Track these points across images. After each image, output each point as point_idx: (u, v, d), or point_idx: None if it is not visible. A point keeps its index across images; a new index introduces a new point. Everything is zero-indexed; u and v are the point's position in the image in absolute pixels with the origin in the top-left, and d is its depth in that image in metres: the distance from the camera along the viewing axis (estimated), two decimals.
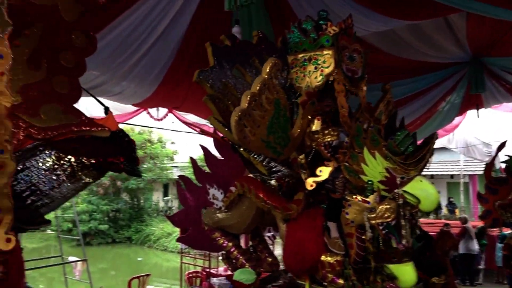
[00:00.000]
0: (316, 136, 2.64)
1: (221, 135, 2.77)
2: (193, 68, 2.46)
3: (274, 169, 2.47)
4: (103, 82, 4.48)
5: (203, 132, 6.75)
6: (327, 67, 2.61)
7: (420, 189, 2.31)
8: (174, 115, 6.93)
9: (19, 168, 2.02)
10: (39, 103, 2.18)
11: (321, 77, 2.62)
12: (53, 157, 2.11)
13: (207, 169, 3.52)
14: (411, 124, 6.42)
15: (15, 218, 1.75)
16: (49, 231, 19.04)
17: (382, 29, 4.00)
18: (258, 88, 2.20)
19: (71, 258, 8.96)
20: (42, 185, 2.08)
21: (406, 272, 2.43)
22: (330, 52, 2.62)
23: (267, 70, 2.25)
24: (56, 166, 2.11)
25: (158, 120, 6.93)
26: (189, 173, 9.01)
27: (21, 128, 2.08)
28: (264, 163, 2.39)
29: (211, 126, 3.71)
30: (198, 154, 5.34)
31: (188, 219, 3.46)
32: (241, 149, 2.27)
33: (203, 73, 2.30)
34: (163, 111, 6.75)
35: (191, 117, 7.15)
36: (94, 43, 2.60)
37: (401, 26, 4.15)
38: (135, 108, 6.35)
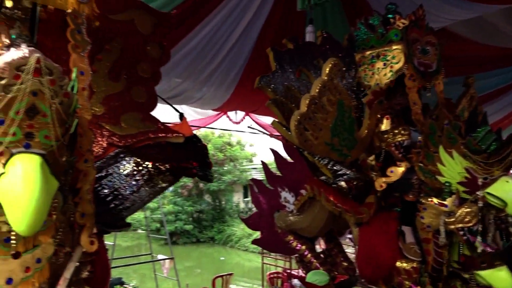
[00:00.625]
0: (385, 136, 2.54)
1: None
2: (267, 70, 2.49)
3: (339, 172, 2.42)
4: (185, 89, 4.72)
5: (272, 135, 6.80)
6: (397, 63, 2.50)
7: (506, 190, 2.10)
8: (250, 117, 7.09)
9: (103, 174, 2.19)
10: (120, 113, 2.34)
11: (390, 73, 2.51)
12: (132, 163, 2.26)
13: (279, 172, 3.54)
14: (498, 123, 5.82)
15: (100, 221, 1.91)
16: (140, 231, 20.39)
17: (470, 16, 3.72)
18: (317, 90, 2.15)
19: (159, 256, 9.45)
20: (123, 190, 2.22)
21: (500, 278, 2.18)
22: (399, 46, 2.51)
23: (327, 71, 2.20)
24: (135, 172, 2.25)
25: (236, 123, 7.12)
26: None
27: (105, 137, 2.25)
28: (328, 167, 2.35)
29: None
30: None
31: (262, 221, 3.49)
32: (305, 152, 2.25)
33: (265, 78, 2.32)
34: (241, 114, 6.95)
35: (267, 120, 7.26)
36: (168, 53, 2.74)
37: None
38: (216, 112, 6.61)
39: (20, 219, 1.21)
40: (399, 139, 2.49)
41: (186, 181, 20.66)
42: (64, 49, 1.83)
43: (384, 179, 2.40)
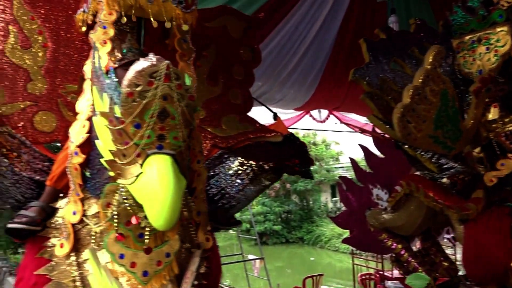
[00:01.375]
0: (494, 125, 2.36)
1: (382, 133, 2.69)
2: (349, 65, 2.45)
3: (445, 166, 2.28)
4: (266, 91, 4.80)
5: (362, 131, 6.60)
6: (502, 46, 2.32)
7: None
8: (334, 115, 6.97)
9: (210, 175, 2.31)
10: (220, 115, 2.46)
11: (495, 58, 2.34)
12: (237, 163, 2.35)
13: (368, 169, 3.45)
14: None
15: (213, 219, 2.02)
16: (231, 231, 20.97)
17: None
18: (421, 80, 2.05)
19: (250, 256, 9.62)
20: (230, 189, 2.32)
21: None
22: (505, 28, 2.33)
23: (430, 60, 2.09)
24: (240, 171, 2.33)
25: (321, 122, 7.04)
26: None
27: (208, 139, 2.39)
28: (433, 160, 2.23)
29: (371, 124, 3.68)
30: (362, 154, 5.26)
31: (352, 220, 3.41)
32: (406, 146, 2.16)
33: (359, 70, 2.27)
34: (325, 112, 6.87)
35: (352, 117, 7.09)
36: (259, 55, 2.83)
37: None
38: (299, 112, 6.62)
39: (159, 215, 1.33)
40: (511, 128, 2.31)
41: None
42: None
43: (494, 173, 2.24)
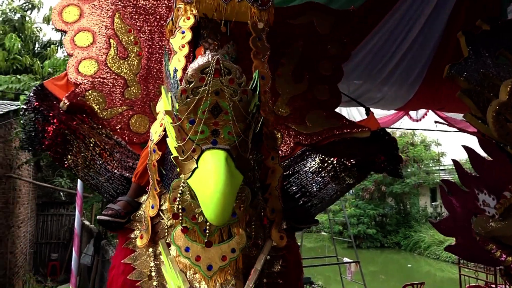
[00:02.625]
0: None
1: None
2: (459, 59, 2.25)
3: None
4: (366, 91, 4.59)
5: (463, 130, 6.01)
6: None
7: None
8: (436, 113, 6.46)
9: (290, 172, 2.28)
10: (304, 112, 2.43)
11: None
12: (318, 160, 2.29)
13: (474, 172, 3.10)
14: None
15: (291, 217, 1.97)
16: (323, 233, 20.75)
17: None
18: None
19: (345, 259, 9.37)
20: (310, 187, 2.26)
21: None
22: None
23: None
24: (320, 169, 2.27)
25: (417, 120, 6.61)
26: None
27: (292, 136, 2.36)
28: None
29: None
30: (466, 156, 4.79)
31: (456, 227, 3.10)
32: (508, 147, 1.90)
33: (456, 66, 2.12)
34: (422, 110, 6.41)
35: (456, 115, 6.51)
36: (349, 49, 2.72)
37: None
38: (394, 112, 6.26)
39: (210, 209, 1.32)
40: None
41: (367, 183, 20.15)
42: (247, 57, 1.96)
43: None
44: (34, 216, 11.54)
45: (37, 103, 2.01)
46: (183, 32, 1.73)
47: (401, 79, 4.47)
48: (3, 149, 7.92)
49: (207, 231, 1.47)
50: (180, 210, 1.48)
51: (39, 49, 12.44)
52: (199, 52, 1.95)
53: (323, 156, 2.30)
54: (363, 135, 2.32)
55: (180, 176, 1.48)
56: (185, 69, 1.63)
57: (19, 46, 10.74)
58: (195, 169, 1.39)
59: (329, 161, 2.28)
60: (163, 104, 1.71)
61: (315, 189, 2.27)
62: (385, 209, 21.13)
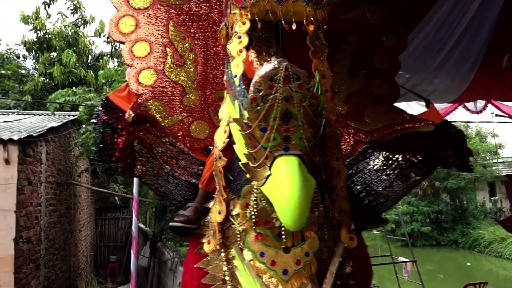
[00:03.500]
0: None
1: None
2: None
3: None
4: (416, 83, 4.42)
5: None
6: None
7: None
8: (494, 105, 6.11)
9: (353, 172, 2.23)
10: (362, 108, 2.37)
11: None
12: (382, 158, 2.22)
13: None
14: None
15: (357, 217, 1.93)
16: (374, 231, 20.22)
17: None
18: None
19: (400, 258, 9.10)
20: (375, 185, 2.21)
21: None
22: None
23: None
24: (385, 167, 2.20)
25: (476, 113, 6.27)
26: None
27: (351, 134, 2.31)
28: None
29: None
30: None
31: None
32: None
33: None
34: (482, 101, 6.07)
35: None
36: (405, 40, 2.63)
37: None
38: (449, 104, 5.98)
39: (287, 215, 1.33)
40: None
41: None
42: (305, 56, 1.93)
43: None
44: (93, 220, 12.11)
45: (106, 117, 2.07)
46: (239, 37, 1.73)
47: (453, 70, 4.24)
48: (64, 157, 8.36)
49: (283, 236, 1.49)
50: (253, 216, 1.50)
51: (92, 61, 13.09)
52: (247, 57, 1.94)
53: (387, 153, 2.23)
54: (427, 129, 2.23)
55: (252, 183, 1.50)
56: (244, 74, 1.63)
57: (74, 60, 11.38)
58: (268, 176, 1.41)
59: (394, 158, 2.21)
60: (229, 111, 1.72)
61: (380, 187, 2.21)
62: (439, 205, 20.25)
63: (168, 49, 2.37)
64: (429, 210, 19.71)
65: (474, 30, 3.85)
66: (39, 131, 6.21)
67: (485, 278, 8.11)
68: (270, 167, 1.41)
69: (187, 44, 2.41)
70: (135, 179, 3.70)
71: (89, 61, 12.81)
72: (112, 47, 13.03)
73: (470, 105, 6.16)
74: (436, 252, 18.88)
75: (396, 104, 2.52)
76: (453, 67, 4.22)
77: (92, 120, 2.16)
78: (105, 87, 8.81)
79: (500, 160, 20.03)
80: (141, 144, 2.10)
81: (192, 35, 2.43)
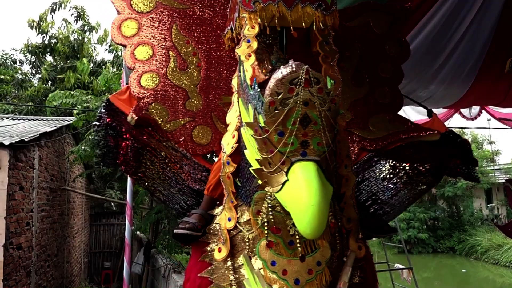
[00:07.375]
0: None
1: None
2: None
3: None
4: (412, 90, 4.41)
5: None
6: None
7: None
8: (488, 112, 6.10)
9: (359, 180, 2.19)
10: (367, 116, 2.34)
11: None
12: (388, 166, 2.20)
13: None
14: None
15: (364, 226, 1.89)
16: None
17: None
18: None
19: (397, 265, 9.07)
20: (381, 194, 2.18)
21: None
22: None
23: None
24: (392, 175, 2.17)
25: (471, 119, 6.27)
26: None
27: (356, 142, 2.27)
28: None
29: None
30: None
31: None
32: None
33: None
34: (476, 108, 6.06)
35: (509, 110, 6.10)
36: (407, 49, 2.61)
37: None
38: (444, 110, 5.96)
39: (306, 223, 1.27)
40: None
41: None
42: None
43: None
44: (87, 226, 11.99)
45: (109, 119, 2.03)
46: (248, 41, 1.71)
47: (450, 76, 4.24)
48: (57, 163, 8.27)
49: (297, 244, 1.44)
50: (266, 223, 1.45)
51: (94, 67, 13.10)
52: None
53: (393, 162, 2.21)
54: (432, 138, 2.20)
55: (265, 189, 1.45)
56: (252, 78, 1.59)
57: (88, 69, 11.46)
58: (285, 182, 1.36)
59: (401, 167, 2.19)
60: (241, 116, 1.68)
61: (386, 196, 2.18)
62: (436, 212, 20.27)
63: (171, 53, 2.34)
64: (425, 217, 19.71)
65: (472, 37, 3.84)
66: (32, 136, 6.13)
67: (482, 286, 8.09)
68: (287, 173, 1.36)
69: (190, 48, 2.37)
70: (128, 186, 3.63)
71: (91, 67, 12.80)
72: (113, 55, 13.05)
73: (465, 111, 6.17)
74: (432, 259, 18.85)
75: None
76: (450, 74, 4.22)
77: (94, 123, 2.10)
78: (107, 93, 8.79)
79: (496, 167, 20.10)
80: (145, 148, 2.07)
81: (196, 39, 2.39)
